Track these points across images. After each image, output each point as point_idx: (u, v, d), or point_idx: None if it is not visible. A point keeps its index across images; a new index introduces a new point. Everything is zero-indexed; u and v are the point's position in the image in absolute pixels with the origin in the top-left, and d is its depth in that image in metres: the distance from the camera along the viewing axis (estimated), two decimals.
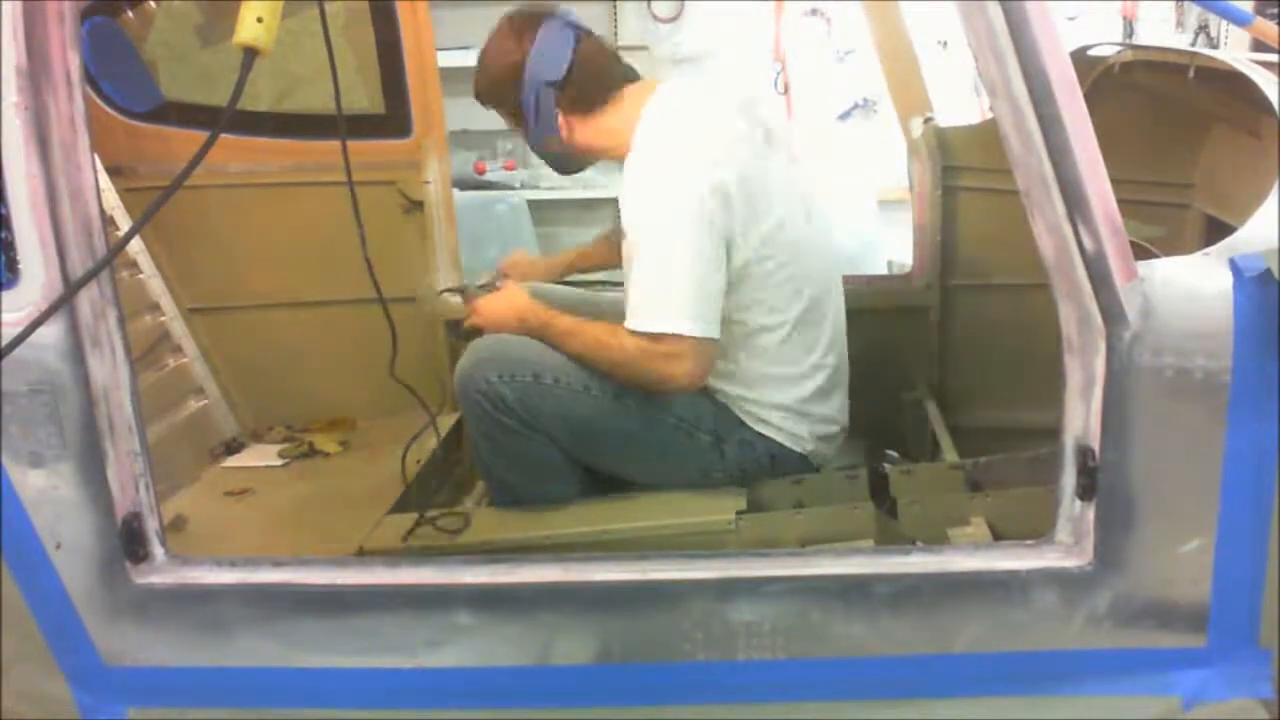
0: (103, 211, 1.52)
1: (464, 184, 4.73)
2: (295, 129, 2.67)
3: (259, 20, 1.39)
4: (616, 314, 2.00)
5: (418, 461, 2.33)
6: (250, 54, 1.40)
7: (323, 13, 1.60)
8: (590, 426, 2.00)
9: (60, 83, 1.43)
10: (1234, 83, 1.94)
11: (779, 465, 2.11)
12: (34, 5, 1.39)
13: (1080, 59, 2.47)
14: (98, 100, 2.51)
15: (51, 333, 1.45)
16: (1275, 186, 1.58)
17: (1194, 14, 5.26)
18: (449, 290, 2.66)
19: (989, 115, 3.24)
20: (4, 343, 1.40)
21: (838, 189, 4.71)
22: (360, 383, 2.63)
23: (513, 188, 5.03)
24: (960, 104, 5.12)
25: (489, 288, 2.28)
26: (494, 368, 1.96)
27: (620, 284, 2.17)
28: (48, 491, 1.54)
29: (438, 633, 1.63)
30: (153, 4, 2.61)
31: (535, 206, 4.94)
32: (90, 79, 2.44)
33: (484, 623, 1.63)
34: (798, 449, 2.11)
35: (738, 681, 1.65)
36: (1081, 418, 1.51)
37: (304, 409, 2.77)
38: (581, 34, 2.11)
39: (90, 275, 1.46)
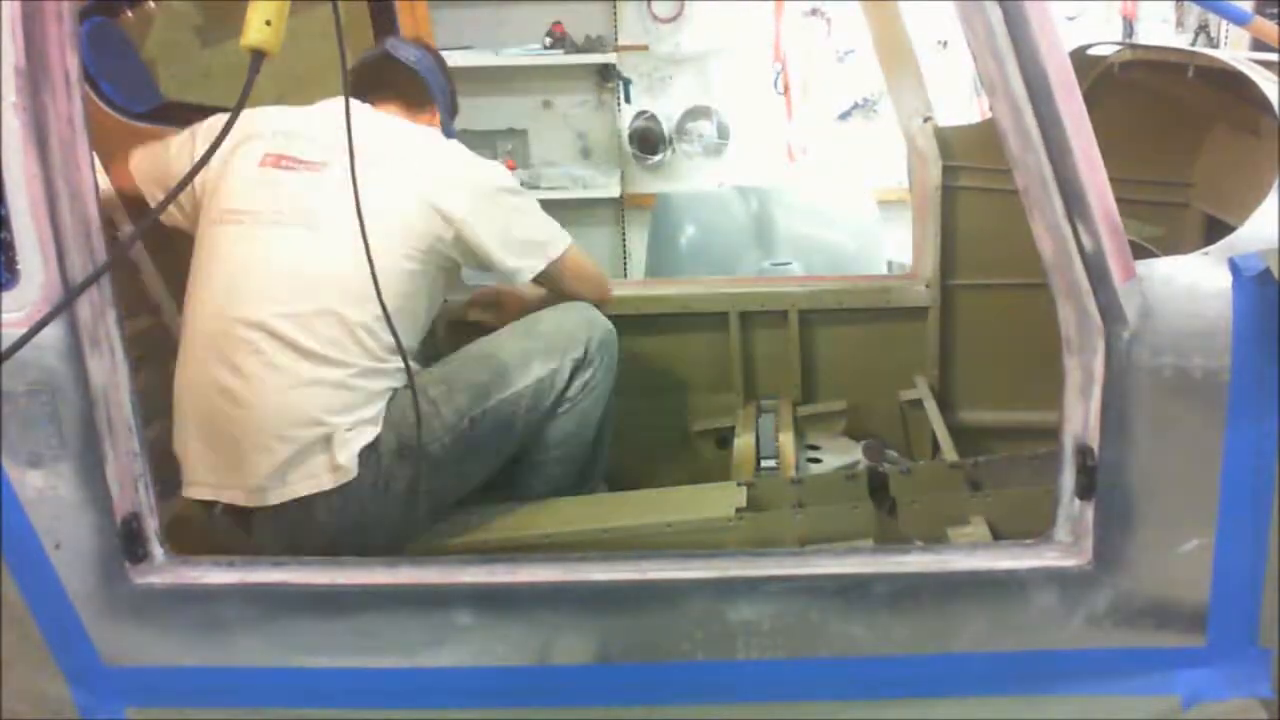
0: (103, 211, 1.52)
1: None
2: None
3: (267, 23, 1.39)
4: None
5: None
6: (258, 56, 1.41)
7: (337, 14, 1.61)
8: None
9: (59, 83, 1.43)
10: (1234, 83, 1.94)
11: None
12: (33, 5, 1.39)
13: (1080, 59, 2.47)
14: (98, 100, 2.51)
15: (51, 333, 1.45)
16: (1275, 186, 1.58)
17: (1194, 14, 5.26)
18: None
19: (989, 115, 3.24)
20: (3, 345, 1.40)
21: (838, 189, 4.71)
22: None
23: None
24: (960, 104, 5.12)
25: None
26: None
27: None
28: (47, 491, 1.54)
29: (438, 633, 1.63)
30: (152, 4, 2.61)
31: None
32: (90, 79, 2.44)
33: (484, 623, 1.63)
34: None
35: (738, 681, 1.65)
36: (1081, 417, 1.52)
37: None
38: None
39: (92, 279, 1.46)
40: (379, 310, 1.78)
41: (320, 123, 2.04)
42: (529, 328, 2.15)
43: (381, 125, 2.10)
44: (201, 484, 1.89)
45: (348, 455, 1.85)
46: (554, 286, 2.25)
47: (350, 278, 1.83)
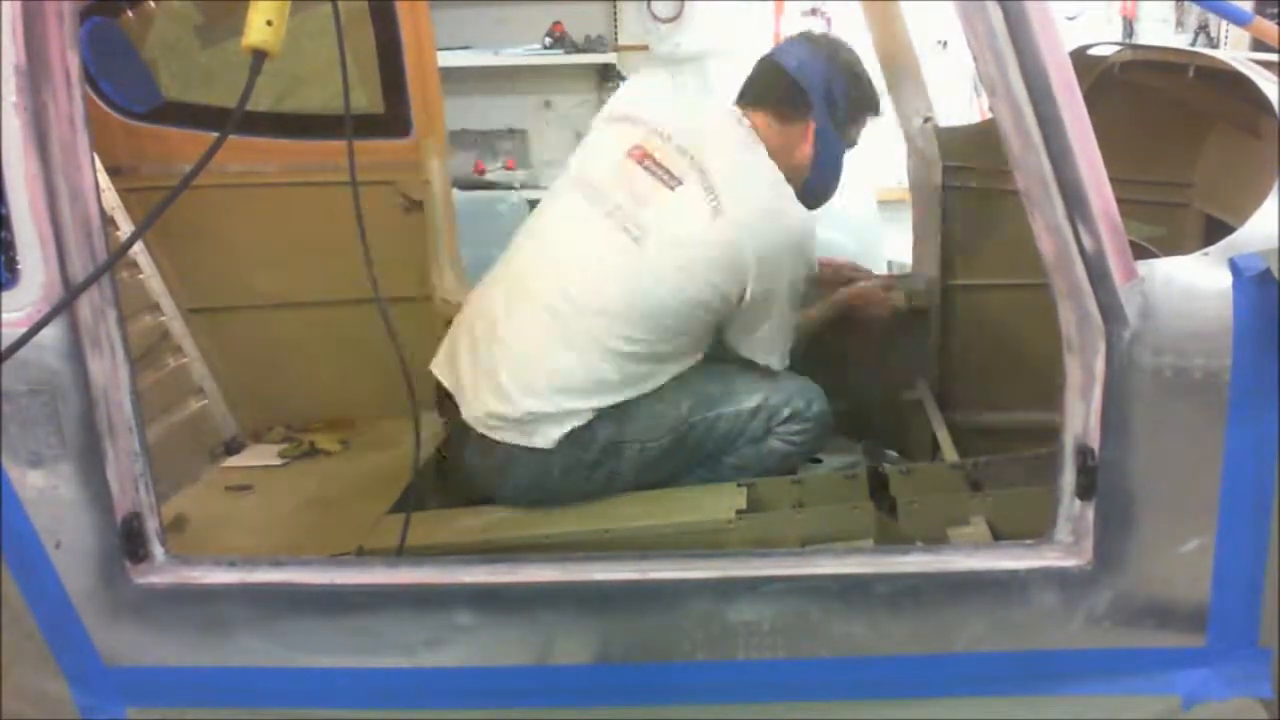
0: (103, 211, 1.52)
1: (464, 184, 4.74)
2: (295, 129, 2.67)
3: (269, 23, 1.39)
4: None
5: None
6: (259, 56, 1.41)
7: (336, 13, 1.61)
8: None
9: (60, 83, 1.43)
10: (1234, 83, 1.94)
11: None
12: (34, 5, 1.39)
13: (1080, 59, 2.47)
14: (98, 100, 2.51)
15: (51, 333, 1.45)
16: (1275, 186, 1.58)
17: (1194, 14, 5.26)
18: None
19: (989, 115, 3.23)
20: (4, 344, 1.40)
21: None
22: (360, 383, 2.63)
23: (513, 188, 5.04)
24: (960, 104, 5.12)
25: None
26: None
27: None
28: (47, 491, 1.54)
29: (438, 633, 1.63)
30: (153, 4, 2.61)
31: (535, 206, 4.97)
32: (90, 79, 2.44)
33: (484, 623, 1.63)
34: None
35: (738, 681, 1.65)
36: (1081, 417, 1.51)
37: (304, 409, 2.76)
38: None
39: (92, 279, 1.46)
40: (658, 334, 2.03)
41: (693, 132, 2.11)
42: (765, 372, 2.23)
43: (738, 153, 2.10)
44: (456, 386, 2.16)
45: (554, 433, 2.04)
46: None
47: (648, 302, 2.01)
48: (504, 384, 2.06)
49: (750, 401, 2.16)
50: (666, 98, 2.24)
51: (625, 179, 2.09)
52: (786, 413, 2.17)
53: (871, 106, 2.30)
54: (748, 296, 2.06)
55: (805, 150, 2.20)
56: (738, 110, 2.20)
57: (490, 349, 2.11)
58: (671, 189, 2.05)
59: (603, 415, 2.06)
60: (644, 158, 2.09)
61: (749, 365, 2.23)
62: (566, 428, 2.04)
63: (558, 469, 2.06)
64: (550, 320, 2.05)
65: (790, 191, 2.11)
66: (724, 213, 2.00)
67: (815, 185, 2.24)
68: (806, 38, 2.27)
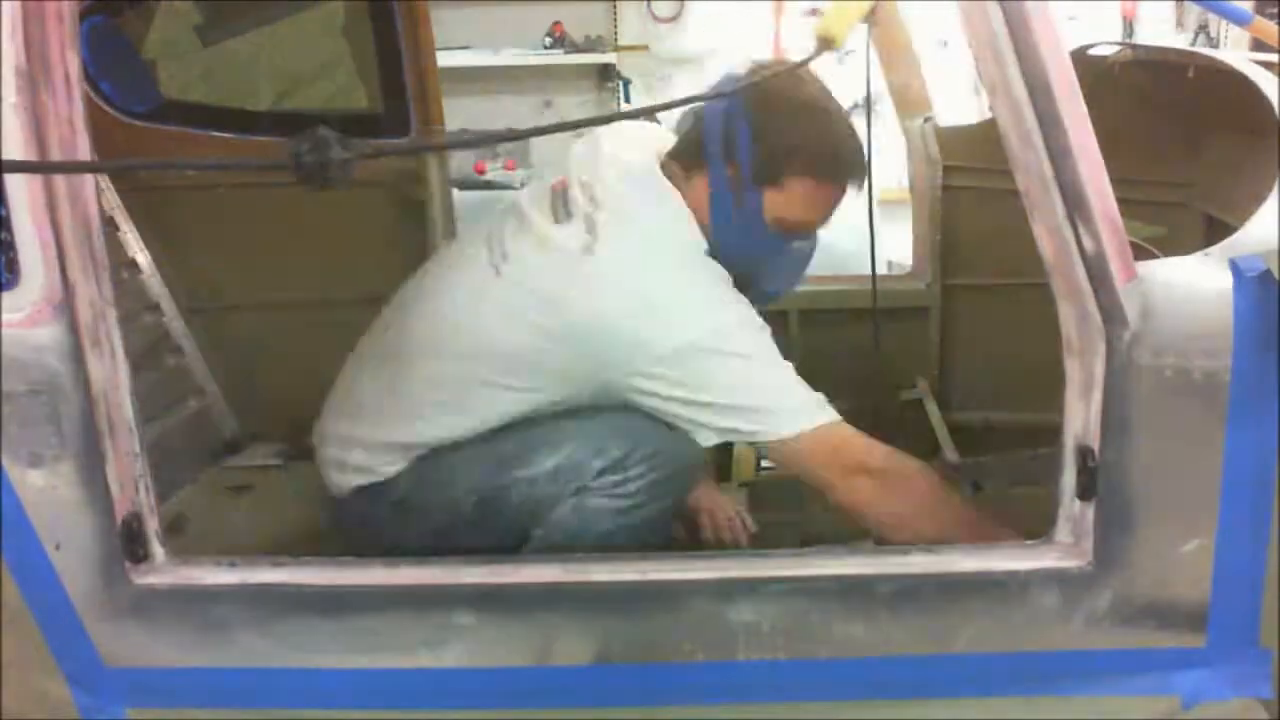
0: (102, 211, 1.52)
1: (464, 184, 4.74)
2: (295, 129, 2.67)
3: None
4: None
5: None
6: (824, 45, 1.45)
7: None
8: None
9: (59, 83, 1.43)
10: (1234, 83, 1.94)
11: None
12: (34, 5, 1.39)
13: (1080, 59, 2.47)
14: (98, 100, 2.51)
15: (51, 333, 1.46)
16: (1275, 186, 1.58)
17: (1194, 14, 5.27)
18: None
19: (989, 115, 3.23)
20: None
21: None
22: None
23: (513, 187, 5.03)
24: (960, 104, 5.12)
25: None
26: None
27: None
28: (47, 491, 1.54)
29: (438, 633, 1.63)
30: (152, 4, 2.61)
31: None
32: (90, 79, 2.44)
33: (484, 623, 1.63)
34: None
35: (738, 681, 1.65)
36: (1081, 418, 1.51)
37: (304, 409, 2.76)
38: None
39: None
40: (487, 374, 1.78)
41: (604, 173, 1.83)
42: (586, 422, 1.79)
43: (631, 194, 1.80)
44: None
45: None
46: (793, 469, 1.82)
47: (497, 337, 1.76)
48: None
49: (549, 461, 1.76)
50: (596, 148, 1.90)
51: (530, 205, 1.85)
52: (598, 465, 1.75)
53: (811, 166, 1.77)
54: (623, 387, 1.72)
55: (704, 208, 1.80)
56: (656, 159, 1.87)
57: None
58: (558, 221, 1.78)
59: (408, 470, 1.86)
60: (561, 186, 1.83)
61: (551, 423, 1.80)
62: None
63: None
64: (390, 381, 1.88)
65: (687, 242, 1.78)
66: (594, 252, 1.71)
67: (727, 254, 1.80)
68: (748, 69, 1.83)
